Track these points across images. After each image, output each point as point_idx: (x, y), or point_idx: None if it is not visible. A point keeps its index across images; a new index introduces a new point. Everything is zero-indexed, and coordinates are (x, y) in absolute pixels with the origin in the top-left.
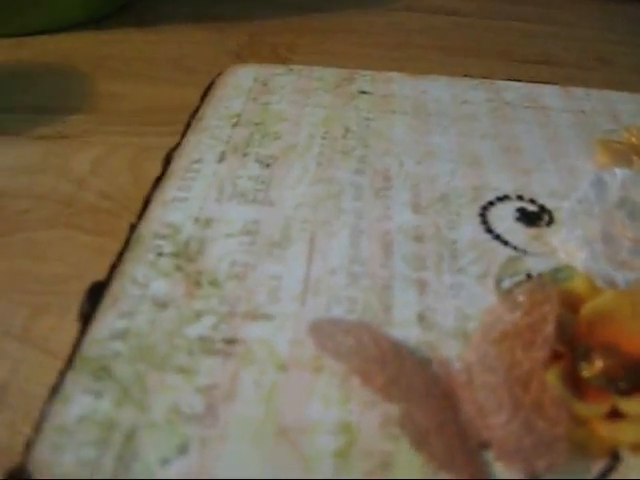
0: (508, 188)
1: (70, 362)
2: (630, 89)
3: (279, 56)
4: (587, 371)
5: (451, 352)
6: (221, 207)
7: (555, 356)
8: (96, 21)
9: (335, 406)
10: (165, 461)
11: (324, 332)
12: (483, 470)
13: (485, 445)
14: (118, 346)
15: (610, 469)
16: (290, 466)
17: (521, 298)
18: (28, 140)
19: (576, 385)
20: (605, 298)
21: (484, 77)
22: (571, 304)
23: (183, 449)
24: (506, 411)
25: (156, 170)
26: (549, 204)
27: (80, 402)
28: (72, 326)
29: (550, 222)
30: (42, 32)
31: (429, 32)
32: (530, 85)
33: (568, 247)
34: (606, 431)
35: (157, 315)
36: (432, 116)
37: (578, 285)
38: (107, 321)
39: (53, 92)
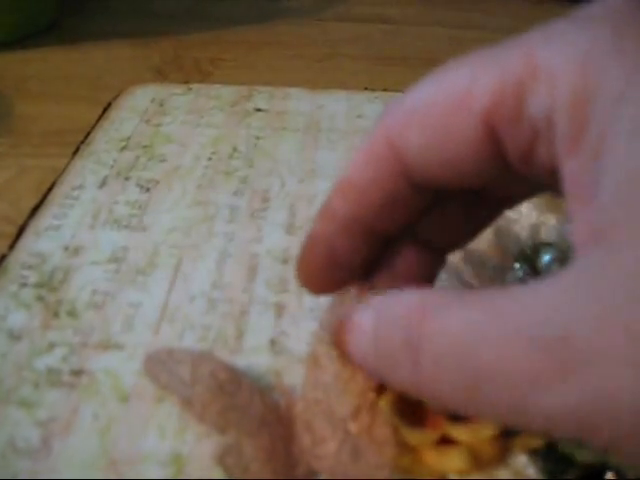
0: None
1: None
2: None
3: (202, 71)
4: None
5: (298, 378)
6: (93, 234)
7: None
8: (20, 41)
9: (170, 437)
10: None
11: (158, 364)
12: None
13: (314, 475)
14: None
15: None
16: None
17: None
18: None
19: (411, 412)
20: None
21: (411, 85)
22: None
23: None
24: (336, 439)
25: None
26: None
27: None
28: None
29: None
30: None
31: (358, 42)
32: None
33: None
34: (433, 459)
35: (10, 348)
36: (323, 132)
37: None
38: None
39: None
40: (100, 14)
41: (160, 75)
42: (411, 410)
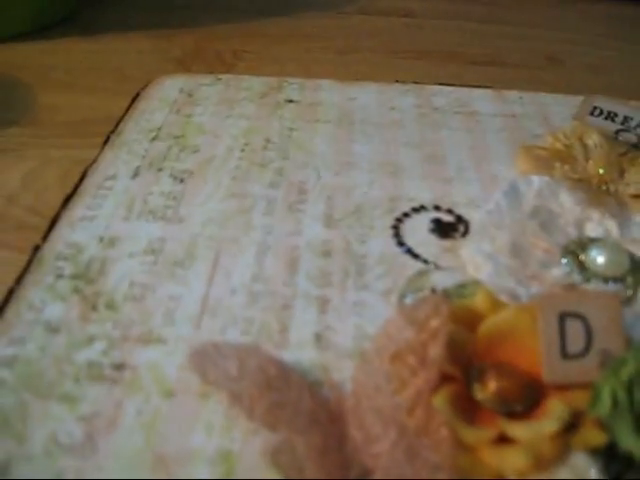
0: (426, 198)
1: None
2: (580, 87)
3: (224, 62)
4: (480, 393)
5: (346, 373)
6: (128, 225)
7: (446, 378)
8: (41, 31)
9: (218, 434)
10: None
11: (204, 358)
12: None
13: (368, 474)
14: (4, 374)
15: None
16: None
17: (413, 314)
18: None
19: (467, 409)
20: (504, 314)
21: (434, 79)
22: (470, 321)
23: None
24: (390, 438)
25: None
26: (466, 214)
27: None
28: None
29: (465, 233)
30: None
31: (380, 35)
32: (462, 89)
33: (475, 261)
34: (491, 457)
35: (48, 340)
36: (356, 124)
37: (478, 301)
38: None
39: None
40: (119, 5)
41: (182, 67)
42: (466, 408)
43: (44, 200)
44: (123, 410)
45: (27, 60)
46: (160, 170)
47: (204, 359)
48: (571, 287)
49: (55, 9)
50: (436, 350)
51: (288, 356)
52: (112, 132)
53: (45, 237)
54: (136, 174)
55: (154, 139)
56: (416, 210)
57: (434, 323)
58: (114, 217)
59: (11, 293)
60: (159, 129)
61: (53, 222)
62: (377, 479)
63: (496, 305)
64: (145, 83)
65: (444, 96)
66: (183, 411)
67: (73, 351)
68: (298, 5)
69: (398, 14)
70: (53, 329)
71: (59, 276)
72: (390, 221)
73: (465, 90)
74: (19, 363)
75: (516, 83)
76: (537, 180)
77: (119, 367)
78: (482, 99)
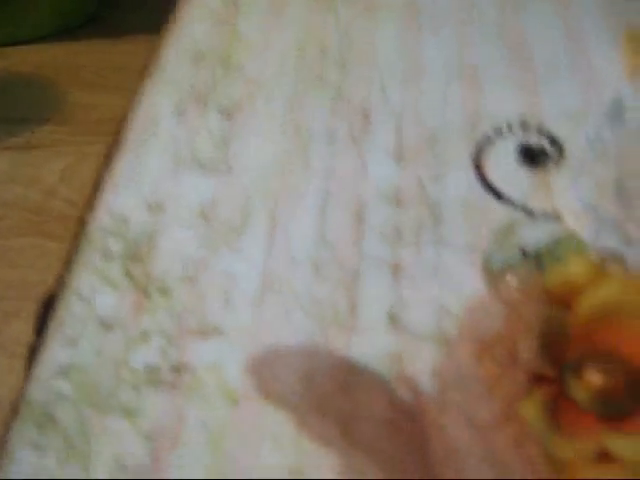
0: (510, 112)
1: (15, 409)
2: None
3: None
4: (579, 391)
5: (424, 364)
6: (175, 184)
7: (538, 377)
8: (66, 33)
9: (288, 448)
10: None
11: (265, 371)
12: None
13: None
14: (62, 386)
15: None
16: None
17: (501, 294)
18: None
19: (562, 415)
20: (606, 289)
21: None
22: (565, 296)
23: None
24: (476, 453)
25: None
26: (560, 132)
27: (25, 460)
28: None
29: (559, 159)
30: (14, 43)
31: None
32: None
33: (572, 209)
34: (590, 477)
35: (103, 340)
36: (424, 14)
37: (576, 269)
38: (51, 352)
39: (25, 103)
40: (139, 9)
41: None
42: (561, 413)
43: (83, 193)
44: (186, 423)
45: (56, 61)
46: (206, 105)
47: (262, 370)
48: None
49: (77, 12)
50: (528, 346)
51: (358, 343)
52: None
53: (90, 204)
54: (181, 111)
55: (197, 60)
56: (499, 133)
57: (526, 310)
58: (160, 172)
59: (60, 282)
60: (201, 49)
61: (96, 187)
62: None
63: (597, 274)
64: None
65: None
66: (249, 421)
67: (130, 352)
68: None
69: None
70: (107, 326)
71: (108, 257)
72: (469, 149)
73: None
74: (75, 371)
75: None
76: None
77: (178, 369)
78: None
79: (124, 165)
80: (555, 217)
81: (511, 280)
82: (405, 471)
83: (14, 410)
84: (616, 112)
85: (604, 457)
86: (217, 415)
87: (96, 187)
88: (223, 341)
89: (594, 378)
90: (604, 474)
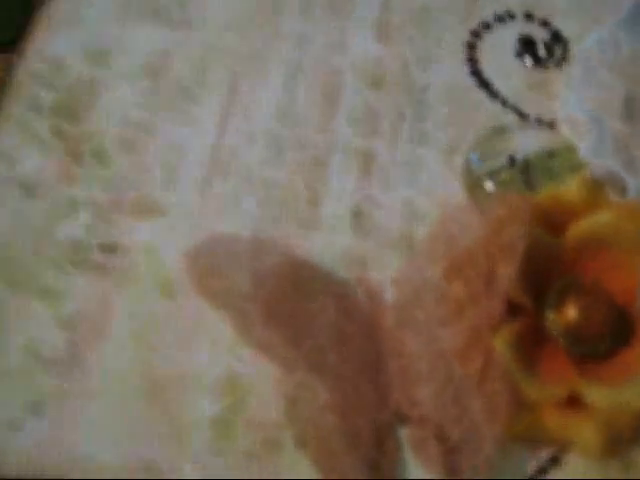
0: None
1: None
2: None
3: None
4: (554, 324)
5: (388, 272)
6: (123, 31)
7: (514, 308)
8: None
9: (224, 353)
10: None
11: (207, 263)
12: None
13: (403, 421)
14: None
15: (545, 470)
16: (162, 435)
17: (485, 208)
18: None
19: (535, 352)
20: (602, 216)
21: None
22: (556, 218)
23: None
24: (434, 385)
25: None
26: (566, 30)
27: None
28: None
29: (562, 60)
30: None
31: None
32: None
33: (573, 119)
34: (555, 422)
35: (24, 206)
36: None
37: (572, 191)
38: None
39: None
40: None
41: None
42: (534, 351)
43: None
44: (113, 312)
45: None
46: None
47: (203, 265)
48: None
49: None
50: (507, 270)
51: (316, 241)
52: None
53: (17, 44)
54: None
55: None
56: (500, 19)
57: (509, 233)
58: (106, 19)
59: None
60: None
61: (26, 24)
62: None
63: (595, 199)
64: None
65: None
66: (185, 317)
67: (54, 222)
68: None
69: None
70: (29, 190)
71: (36, 109)
72: (464, 35)
73: None
74: None
75: None
76: None
77: (109, 249)
78: None
79: (63, 3)
80: (550, 125)
81: (493, 189)
82: (354, 392)
83: None
84: (635, 17)
85: (575, 402)
86: (148, 306)
87: (29, 26)
88: (163, 223)
89: (571, 311)
90: (571, 420)
